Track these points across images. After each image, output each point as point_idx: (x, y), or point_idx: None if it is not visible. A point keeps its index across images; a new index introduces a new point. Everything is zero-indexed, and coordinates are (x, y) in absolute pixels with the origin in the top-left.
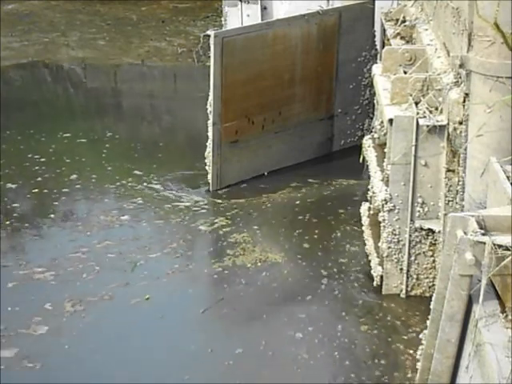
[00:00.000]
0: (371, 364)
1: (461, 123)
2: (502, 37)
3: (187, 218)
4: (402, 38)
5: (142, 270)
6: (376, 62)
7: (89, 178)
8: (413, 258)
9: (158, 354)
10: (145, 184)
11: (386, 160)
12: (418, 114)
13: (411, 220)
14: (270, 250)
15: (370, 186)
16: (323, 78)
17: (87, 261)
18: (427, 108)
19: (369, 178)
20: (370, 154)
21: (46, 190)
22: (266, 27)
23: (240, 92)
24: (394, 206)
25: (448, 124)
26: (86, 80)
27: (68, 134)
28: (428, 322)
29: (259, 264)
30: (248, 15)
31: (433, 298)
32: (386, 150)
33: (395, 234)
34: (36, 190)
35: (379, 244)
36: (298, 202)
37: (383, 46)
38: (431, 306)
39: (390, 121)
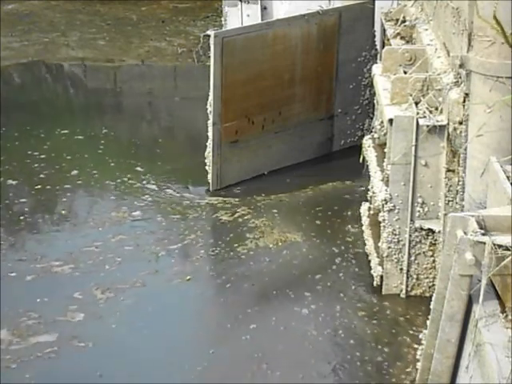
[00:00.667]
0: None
1: (461, 123)
2: (502, 34)
3: (200, 212)
4: (402, 37)
5: (166, 259)
6: (376, 62)
7: (90, 175)
8: (413, 258)
9: (191, 329)
10: (146, 182)
11: (385, 160)
12: (417, 114)
13: (411, 220)
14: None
15: (370, 186)
16: (323, 78)
17: (105, 253)
18: (427, 108)
19: (369, 177)
20: (369, 154)
21: (48, 187)
22: (266, 27)
23: (240, 92)
24: (394, 206)
25: (448, 124)
26: (86, 80)
27: (67, 133)
28: (428, 322)
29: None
30: (248, 15)
31: (433, 298)
32: (386, 150)
33: (395, 234)
34: (39, 187)
35: (379, 244)
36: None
37: (383, 45)
38: (431, 306)
39: (390, 121)
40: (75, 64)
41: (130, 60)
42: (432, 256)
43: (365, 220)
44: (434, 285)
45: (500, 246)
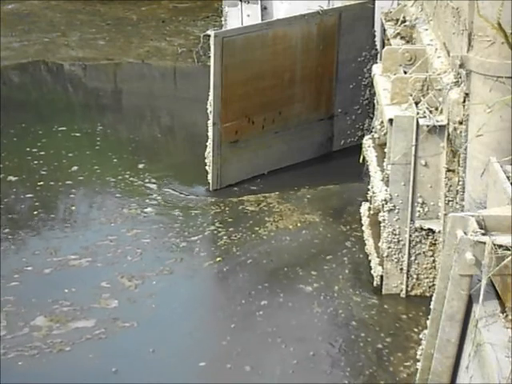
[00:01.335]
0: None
1: (461, 123)
2: (505, 37)
3: (220, 206)
4: (402, 37)
5: (189, 248)
6: (376, 62)
7: (91, 172)
8: (413, 258)
9: (216, 305)
10: (147, 180)
11: (386, 160)
12: (418, 114)
13: (411, 220)
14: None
15: (370, 186)
16: (323, 78)
17: (123, 246)
18: (427, 108)
19: (369, 178)
20: (370, 153)
21: (52, 183)
22: (265, 27)
23: (240, 92)
24: (394, 206)
25: (448, 124)
26: (86, 80)
27: (67, 131)
28: (428, 322)
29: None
30: (248, 15)
31: (433, 298)
32: (386, 150)
33: (395, 234)
34: (42, 183)
35: (379, 244)
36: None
37: (383, 45)
38: (431, 306)
39: (390, 121)
40: (75, 64)
41: (130, 60)
42: (432, 256)
43: (365, 220)
44: (434, 285)
45: (500, 246)
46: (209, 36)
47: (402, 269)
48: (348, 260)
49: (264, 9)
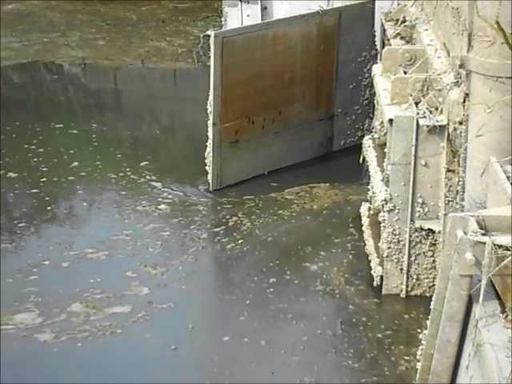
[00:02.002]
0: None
1: (461, 123)
2: (504, 38)
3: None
4: (402, 38)
5: (211, 238)
6: (376, 62)
7: (93, 168)
8: (413, 258)
9: (236, 282)
10: (148, 177)
11: (385, 160)
12: (418, 114)
13: (411, 220)
14: None
15: (370, 186)
16: (323, 78)
17: (141, 239)
18: (427, 108)
19: (369, 178)
20: (370, 154)
21: (55, 178)
22: (265, 27)
23: (240, 92)
24: (394, 206)
25: (448, 124)
26: (86, 80)
27: (68, 131)
28: (428, 322)
29: None
30: (248, 15)
31: (433, 298)
32: (386, 150)
33: (395, 234)
34: (44, 179)
35: (379, 244)
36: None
37: (383, 46)
38: (431, 306)
39: (390, 121)
40: (75, 64)
41: (130, 60)
42: (432, 256)
43: (365, 220)
44: (434, 285)
45: (500, 246)
46: (209, 36)
47: (402, 269)
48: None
49: (264, 9)
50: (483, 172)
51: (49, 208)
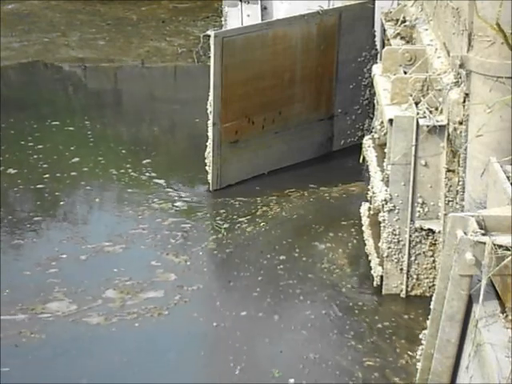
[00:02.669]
0: None
1: (461, 123)
2: (504, 38)
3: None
4: (402, 38)
5: (234, 225)
6: (376, 62)
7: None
8: (413, 258)
9: (252, 258)
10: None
11: (386, 160)
12: (418, 114)
13: (411, 220)
14: None
15: (370, 186)
16: (323, 78)
17: (160, 233)
18: (427, 108)
19: (368, 178)
20: (370, 154)
21: (58, 174)
22: (265, 27)
23: (240, 92)
24: (394, 206)
25: (448, 124)
26: (86, 80)
27: (67, 133)
28: (428, 322)
29: None
30: (248, 15)
31: (433, 298)
32: (386, 150)
33: (395, 234)
34: (47, 175)
35: (379, 244)
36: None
37: (383, 45)
38: (431, 306)
39: (390, 121)
40: (75, 64)
41: (130, 60)
42: (432, 256)
43: (365, 220)
44: (434, 285)
45: (500, 246)
46: (209, 36)
47: (402, 269)
48: None
49: (264, 9)
50: (483, 172)
51: (59, 204)
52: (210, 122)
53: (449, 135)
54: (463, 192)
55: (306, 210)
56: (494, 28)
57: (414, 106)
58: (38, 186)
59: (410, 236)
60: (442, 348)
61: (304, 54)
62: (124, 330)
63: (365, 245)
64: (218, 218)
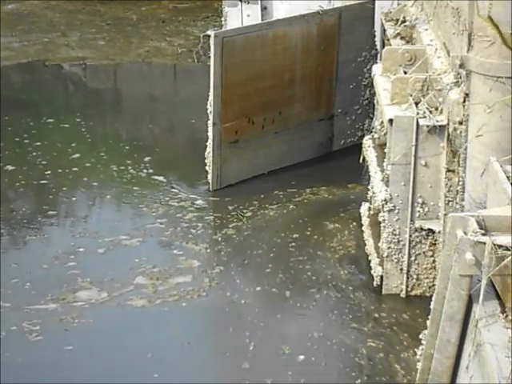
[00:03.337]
0: None
1: (461, 123)
2: (500, 35)
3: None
4: (402, 38)
5: (255, 216)
6: (376, 62)
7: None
8: (413, 258)
9: (268, 237)
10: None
11: (386, 160)
12: (418, 114)
13: (411, 220)
14: None
15: (370, 186)
16: (323, 78)
17: (178, 226)
18: (427, 108)
19: (368, 179)
20: (370, 154)
21: (59, 170)
22: (265, 27)
23: (240, 92)
24: (394, 206)
25: (448, 124)
26: (86, 80)
27: (67, 134)
28: (428, 322)
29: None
30: (248, 15)
31: (433, 298)
32: (386, 150)
33: (395, 234)
34: (48, 172)
35: (379, 244)
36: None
37: (383, 46)
38: (431, 306)
39: (390, 121)
40: (75, 64)
41: (130, 60)
42: (432, 256)
43: (365, 220)
44: (434, 285)
45: (500, 246)
46: (209, 36)
47: (402, 269)
48: None
49: (264, 9)
50: (483, 172)
51: (65, 199)
52: (209, 122)
53: (449, 135)
54: (463, 192)
55: (306, 210)
56: (495, 27)
57: (413, 105)
58: (42, 182)
59: (410, 236)
60: (442, 348)
61: (304, 54)
62: (173, 309)
63: (365, 245)
64: (218, 218)
